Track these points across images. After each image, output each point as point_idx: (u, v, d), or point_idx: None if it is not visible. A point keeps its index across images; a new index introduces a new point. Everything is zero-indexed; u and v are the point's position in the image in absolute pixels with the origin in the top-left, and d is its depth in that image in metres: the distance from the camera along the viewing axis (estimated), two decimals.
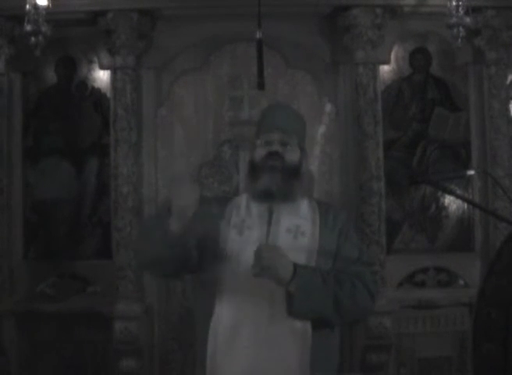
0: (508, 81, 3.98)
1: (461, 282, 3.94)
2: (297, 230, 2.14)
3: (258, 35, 2.87)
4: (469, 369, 3.79)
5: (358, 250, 2.22)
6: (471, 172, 3.76)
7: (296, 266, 2.03)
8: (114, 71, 3.83)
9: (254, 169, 2.20)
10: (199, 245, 2.09)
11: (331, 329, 2.14)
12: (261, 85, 2.87)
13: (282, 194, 2.15)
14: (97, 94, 3.94)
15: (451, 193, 3.61)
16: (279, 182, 2.14)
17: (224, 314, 2.06)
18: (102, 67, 3.91)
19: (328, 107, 4.00)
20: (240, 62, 3.93)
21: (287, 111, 2.33)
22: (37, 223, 3.93)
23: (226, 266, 2.09)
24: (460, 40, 3.32)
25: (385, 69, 3.94)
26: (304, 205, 2.22)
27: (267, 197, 2.15)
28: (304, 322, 2.05)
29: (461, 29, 3.28)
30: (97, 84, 3.94)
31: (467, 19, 3.28)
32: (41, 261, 3.89)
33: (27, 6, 3.08)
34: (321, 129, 3.99)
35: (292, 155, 2.19)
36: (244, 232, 2.14)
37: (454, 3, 3.27)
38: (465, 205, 3.94)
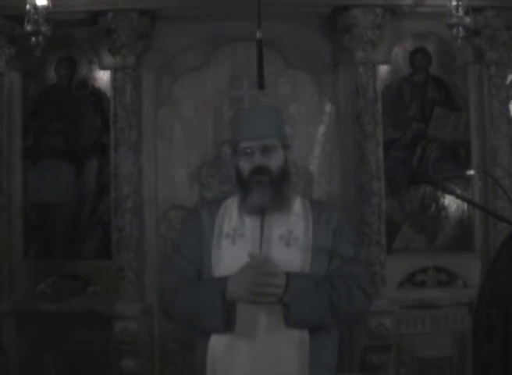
0: (508, 81, 3.98)
1: (461, 282, 3.94)
2: (290, 235, 2.11)
3: (258, 35, 2.87)
4: (469, 369, 3.79)
5: (353, 248, 2.20)
6: (471, 172, 3.78)
7: (289, 275, 2.01)
8: (114, 71, 3.83)
9: (242, 184, 2.14)
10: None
11: (328, 330, 2.13)
12: (261, 85, 2.87)
13: (274, 206, 2.12)
14: (97, 94, 3.94)
15: (451, 193, 3.61)
16: (269, 195, 2.10)
17: None
18: (102, 67, 3.91)
19: (328, 107, 3.99)
20: (240, 62, 3.93)
21: (262, 113, 2.23)
22: (37, 223, 3.92)
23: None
24: (460, 40, 3.32)
25: (385, 69, 3.94)
26: (297, 206, 2.19)
27: (259, 212, 2.12)
28: (301, 330, 2.04)
29: (461, 29, 3.28)
30: (97, 84, 3.94)
31: (467, 19, 3.28)
32: (41, 261, 3.89)
33: (27, 6, 3.08)
34: (321, 129, 3.99)
35: (277, 162, 2.13)
36: (237, 241, 2.11)
37: (454, 3, 3.27)
38: (465, 205, 3.94)
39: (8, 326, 3.83)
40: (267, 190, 2.10)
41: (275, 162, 2.13)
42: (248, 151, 2.12)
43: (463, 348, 3.86)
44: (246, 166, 2.13)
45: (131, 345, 3.68)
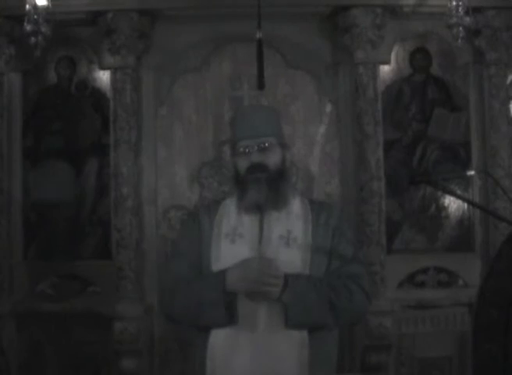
0: (508, 81, 3.98)
1: (461, 282, 3.94)
2: (289, 235, 2.11)
3: (258, 35, 2.88)
4: (469, 369, 3.79)
5: (353, 248, 2.20)
6: (471, 172, 3.79)
7: (287, 277, 2.01)
8: (114, 71, 3.83)
9: (239, 182, 2.15)
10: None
11: (328, 330, 2.13)
12: (261, 85, 2.88)
13: (272, 204, 2.12)
14: (97, 94, 3.94)
15: (451, 193, 3.61)
16: (266, 193, 2.10)
17: None
18: (102, 67, 3.91)
19: (329, 107, 3.99)
20: (240, 62, 3.93)
21: (259, 113, 2.25)
22: (37, 223, 3.92)
23: None
24: (460, 40, 3.32)
25: (385, 69, 3.93)
26: (296, 206, 2.19)
27: (257, 210, 2.12)
28: (300, 330, 2.04)
29: (461, 29, 3.28)
30: (97, 84, 3.94)
31: (467, 19, 3.28)
32: (41, 261, 3.89)
33: (27, 6, 3.08)
34: (321, 129, 3.99)
35: (274, 159, 2.14)
36: (236, 240, 2.11)
37: (454, 3, 3.27)
38: (465, 205, 3.94)
39: (8, 326, 3.83)
40: (263, 187, 2.10)
41: (272, 160, 2.14)
42: (246, 150, 2.14)
43: (463, 348, 3.86)
44: (243, 164, 2.14)
45: (131, 345, 3.68)
